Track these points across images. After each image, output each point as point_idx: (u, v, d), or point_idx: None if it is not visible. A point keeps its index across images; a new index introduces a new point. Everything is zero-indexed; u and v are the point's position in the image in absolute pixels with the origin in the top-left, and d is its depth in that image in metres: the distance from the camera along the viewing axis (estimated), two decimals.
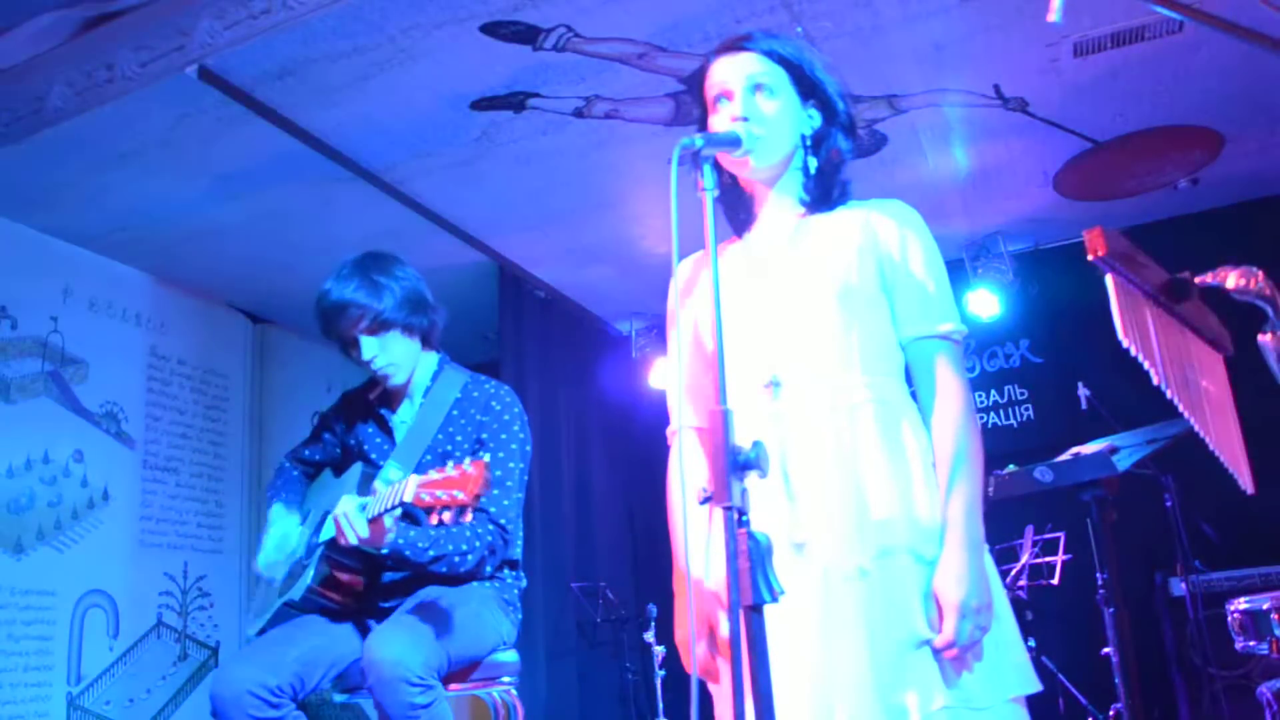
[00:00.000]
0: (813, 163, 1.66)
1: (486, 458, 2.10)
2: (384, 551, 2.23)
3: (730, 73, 1.64)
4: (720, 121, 1.63)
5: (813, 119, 1.67)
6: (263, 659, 2.20)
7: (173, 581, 4.61)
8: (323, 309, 2.43)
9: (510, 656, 2.45)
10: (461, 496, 1.98)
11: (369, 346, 2.41)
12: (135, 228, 4.25)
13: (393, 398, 2.58)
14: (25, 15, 3.05)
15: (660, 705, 4.58)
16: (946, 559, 1.48)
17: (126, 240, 4.37)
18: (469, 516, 2.01)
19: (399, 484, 2.11)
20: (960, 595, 1.44)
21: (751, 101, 1.62)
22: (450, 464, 2.04)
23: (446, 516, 2.00)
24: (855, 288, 1.58)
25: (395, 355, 2.45)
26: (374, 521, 2.15)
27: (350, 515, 2.15)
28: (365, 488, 2.34)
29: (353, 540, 2.15)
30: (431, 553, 2.27)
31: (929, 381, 1.59)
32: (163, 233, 4.31)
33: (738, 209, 1.73)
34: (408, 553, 2.25)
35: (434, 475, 2.03)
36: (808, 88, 1.66)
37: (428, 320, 2.51)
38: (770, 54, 1.64)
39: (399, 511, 2.16)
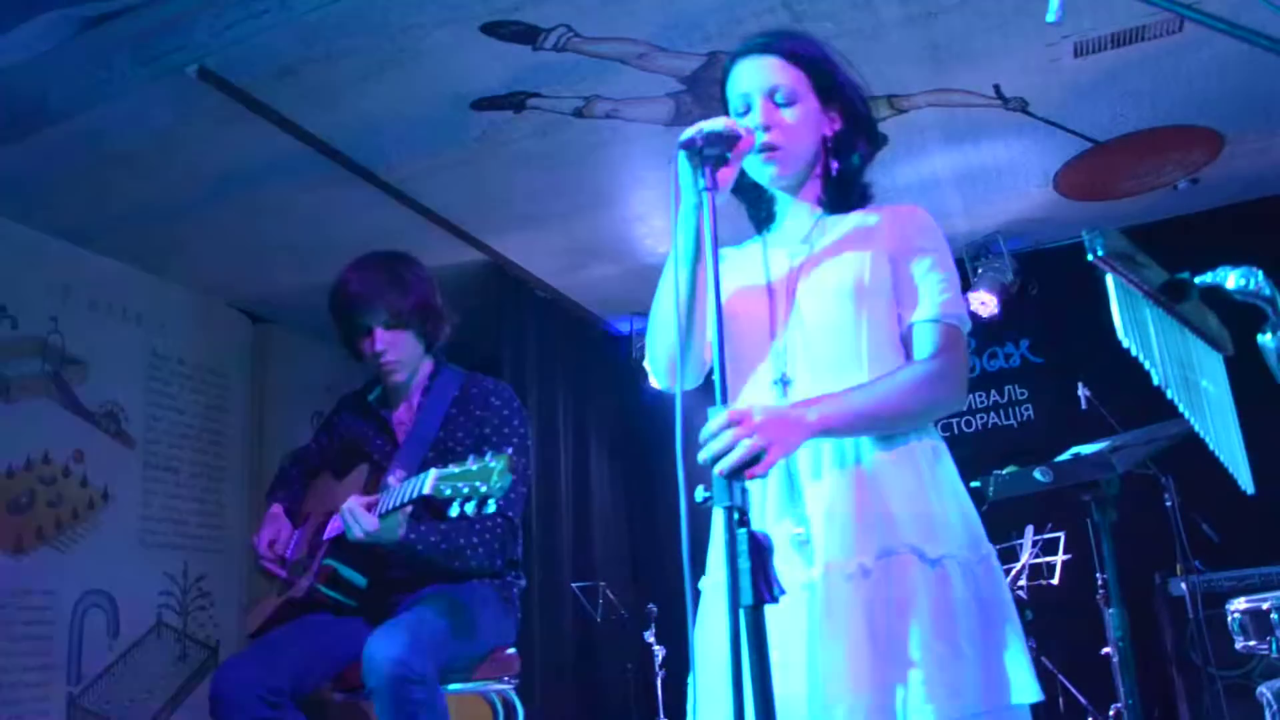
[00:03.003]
0: (833, 166, 1.66)
1: (509, 451, 2.11)
2: (395, 547, 2.24)
3: (751, 80, 1.62)
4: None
5: (834, 122, 1.66)
6: (263, 659, 2.20)
7: (173, 581, 4.61)
8: (345, 297, 2.46)
9: (510, 655, 2.45)
10: (484, 489, 2.00)
11: (382, 340, 2.44)
12: (135, 228, 4.25)
13: (391, 399, 2.59)
14: (25, 15, 3.05)
15: (660, 705, 4.58)
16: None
17: (126, 240, 4.36)
18: (491, 508, 2.03)
19: (415, 479, 2.12)
20: (758, 411, 1.36)
21: (772, 109, 1.61)
22: (470, 457, 2.06)
23: (469, 508, 2.01)
24: (868, 289, 1.58)
25: (404, 353, 2.49)
26: (384, 517, 2.16)
27: (356, 511, 2.16)
28: (372, 488, 2.35)
29: (359, 535, 2.15)
30: (443, 546, 2.28)
31: (924, 353, 1.55)
32: (163, 233, 4.31)
33: (759, 207, 1.73)
34: (419, 547, 2.25)
35: (453, 468, 2.05)
36: (829, 91, 1.65)
37: (438, 328, 2.56)
38: (792, 57, 1.62)
39: (410, 508, 2.17)
